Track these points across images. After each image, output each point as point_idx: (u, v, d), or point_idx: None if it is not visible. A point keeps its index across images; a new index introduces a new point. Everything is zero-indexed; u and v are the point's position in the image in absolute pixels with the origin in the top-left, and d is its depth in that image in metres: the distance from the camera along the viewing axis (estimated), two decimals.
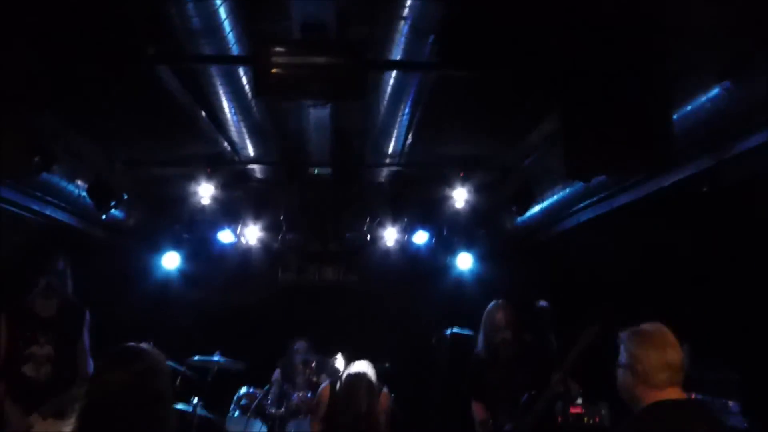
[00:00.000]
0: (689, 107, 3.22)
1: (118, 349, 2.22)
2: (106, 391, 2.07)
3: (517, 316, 4.37)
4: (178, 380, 5.02)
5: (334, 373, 4.31)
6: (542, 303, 3.71)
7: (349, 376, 4.22)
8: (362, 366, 4.28)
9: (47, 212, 4.64)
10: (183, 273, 6.33)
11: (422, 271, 6.56)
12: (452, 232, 6.27)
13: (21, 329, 3.96)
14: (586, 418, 5.25)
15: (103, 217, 4.98)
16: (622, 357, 2.39)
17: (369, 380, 4.23)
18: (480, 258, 6.42)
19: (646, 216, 4.52)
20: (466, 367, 4.63)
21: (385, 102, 4.01)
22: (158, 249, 6.17)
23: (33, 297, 3.98)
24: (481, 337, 4.51)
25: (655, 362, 2.29)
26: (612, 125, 3.01)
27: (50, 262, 4.01)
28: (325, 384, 4.56)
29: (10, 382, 3.90)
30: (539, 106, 4.04)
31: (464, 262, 6.48)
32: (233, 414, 5.33)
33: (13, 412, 3.84)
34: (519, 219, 5.42)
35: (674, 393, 2.29)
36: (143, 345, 2.26)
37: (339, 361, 3.93)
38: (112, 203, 4.89)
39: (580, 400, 5.05)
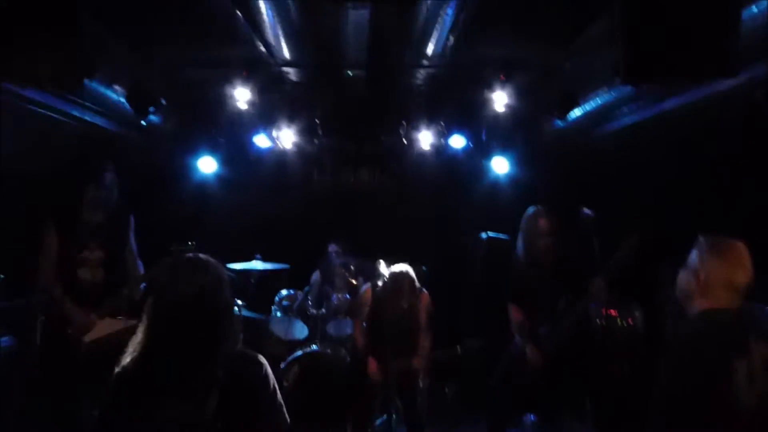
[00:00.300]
0: (754, 8, 3.07)
1: (183, 260, 2.26)
2: (174, 303, 2.13)
3: (557, 222, 4.37)
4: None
5: (376, 277, 4.40)
6: (586, 211, 3.69)
7: (393, 274, 4.39)
8: (404, 266, 4.43)
9: (87, 118, 4.66)
10: (220, 177, 6.38)
11: (458, 174, 6.52)
12: (490, 136, 6.17)
13: (72, 236, 4.08)
14: (619, 320, 5.36)
15: (143, 122, 4.99)
16: (692, 260, 2.40)
17: (411, 278, 4.39)
18: (517, 162, 6.34)
19: (693, 122, 4.39)
20: (502, 271, 4.69)
21: (428, 1, 3.86)
22: (195, 153, 6.19)
23: (82, 207, 4.09)
24: (520, 243, 4.53)
25: (720, 277, 2.29)
26: (678, 25, 2.74)
27: (98, 173, 4.09)
28: (366, 286, 4.71)
29: (68, 286, 4.06)
30: (593, 3, 3.84)
31: (501, 165, 6.42)
32: (275, 314, 5.52)
33: (76, 312, 4.03)
34: (559, 123, 5.30)
35: (726, 301, 2.30)
36: (204, 255, 2.30)
37: (382, 266, 4.03)
38: (151, 108, 4.88)
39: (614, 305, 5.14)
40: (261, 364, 2.21)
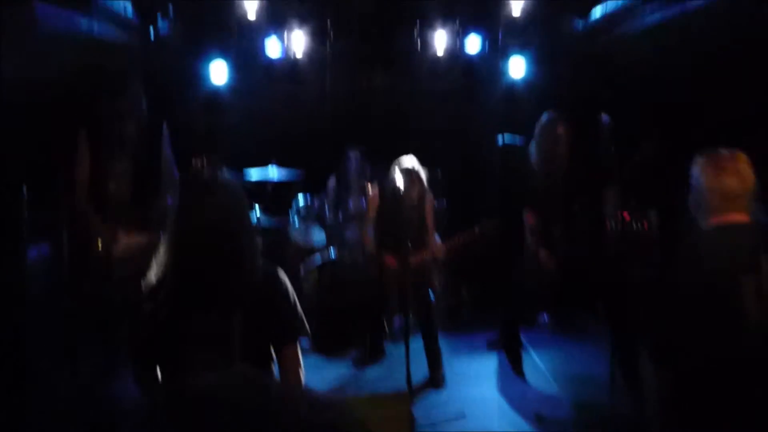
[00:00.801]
0: None
1: (203, 179, 2.31)
2: (194, 221, 2.19)
3: (574, 128, 4.33)
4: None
5: (388, 181, 4.42)
6: (604, 117, 3.65)
7: (402, 168, 4.39)
8: (412, 159, 4.50)
9: (95, 29, 4.58)
10: (232, 85, 6.29)
11: (474, 76, 6.38)
12: (507, 36, 5.99)
13: (101, 148, 4.06)
14: (634, 224, 5.40)
15: (150, 29, 4.90)
16: (692, 178, 2.45)
17: (419, 172, 4.47)
18: (535, 63, 6.19)
19: (719, 23, 4.22)
20: (517, 175, 4.70)
21: None
22: (206, 59, 6.09)
23: (111, 118, 4.05)
24: (536, 148, 4.52)
25: (709, 187, 2.35)
26: None
27: (120, 84, 4.04)
28: (374, 189, 4.80)
29: (95, 199, 4.10)
30: None
31: (517, 67, 6.27)
32: (293, 222, 5.61)
33: (100, 226, 4.12)
34: (579, 22, 5.12)
35: (735, 216, 2.33)
36: (223, 176, 2.34)
37: (399, 179, 4.01)
38: (158, 17, 4.78)
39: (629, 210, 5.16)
40: (281, 279, 2.30)
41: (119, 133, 4.08)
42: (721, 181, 2.32)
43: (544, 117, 4.45)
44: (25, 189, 4.42)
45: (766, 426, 2.21)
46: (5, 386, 3.98)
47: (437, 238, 4.64)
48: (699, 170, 2.41)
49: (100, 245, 4.09)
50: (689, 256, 2.32)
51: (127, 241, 4.10)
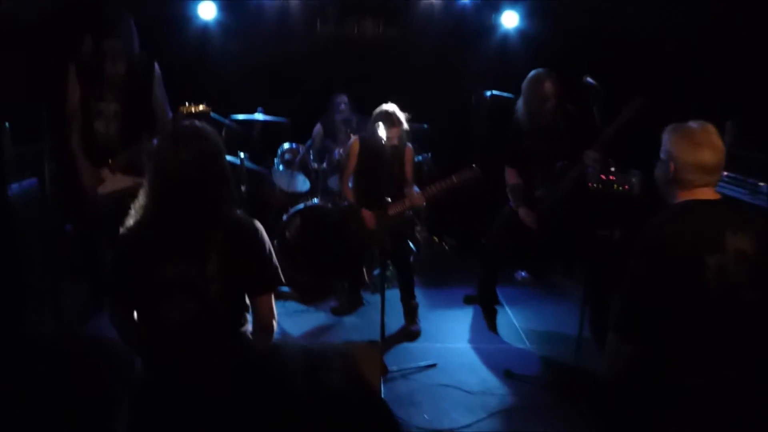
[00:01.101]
0: None
1: (181, 128, 2.32)
2: (172, 169, 2.21)
3: (561, 85, 4.32)
4: (223, 132, 5.20)
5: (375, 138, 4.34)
6: (589, 79, 3.63)
7: (380, 114, 4.37)
8: (392, 106, 4.44)
9: None
10: (220, 24, 6.19)
11: (466, 29, 6.30)
12: None
13: (90, 86, 4.07)
14: (615, 185, 5.43)
15: None
16: (662, 151, 2.41)
17: (399, 118, 4.39)
18: (527, 17, 6.12)
19: None
20: (504, 131, 4.70)
21: None
22: None
23: (101, 57, 4.02)
24: (522, 104, 4.51)
25: (686, 161, 2.30)
26: None
27: (114, 22, 4.01)
28: (354, 138, 4.72)
29: (82, 137, 4.11)
30: None
31: (510, 20, 6.21)
32: (277, 167, 5.60)
33: (86, 165, 4.10)
34: None
35: (706, 193, 2.32)
36: (202, 123, 2.35)
37: (381, 129, 3.97)
38: None
39: (612, 169, 5.18)
40: (257, 229, 2.33)
41: (110, 72, 4.06)
42: (696, 157, 2.28)
43: (532, 73, 4.43)
44: (7, 125, 4.41)
45: (721, 405, 2.26)
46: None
47: (416, 189, 4.62)
48: (670, 143, 2.36)
49: (86, 183, 4.09)
50: (654, 235, 2.28)
51: (113, 181, 4.10)
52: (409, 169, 4.60)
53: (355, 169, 4.64)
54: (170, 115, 4.27)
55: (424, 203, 4.63)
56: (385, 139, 4.10)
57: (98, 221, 4.27)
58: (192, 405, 2.23)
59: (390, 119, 4.32)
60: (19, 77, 4.46)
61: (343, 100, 5.89)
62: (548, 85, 4.29)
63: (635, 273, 2.28)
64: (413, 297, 4.64)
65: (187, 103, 4.27)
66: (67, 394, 3.08)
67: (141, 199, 2.32)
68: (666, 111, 4.89)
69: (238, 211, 2.37)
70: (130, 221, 2.32)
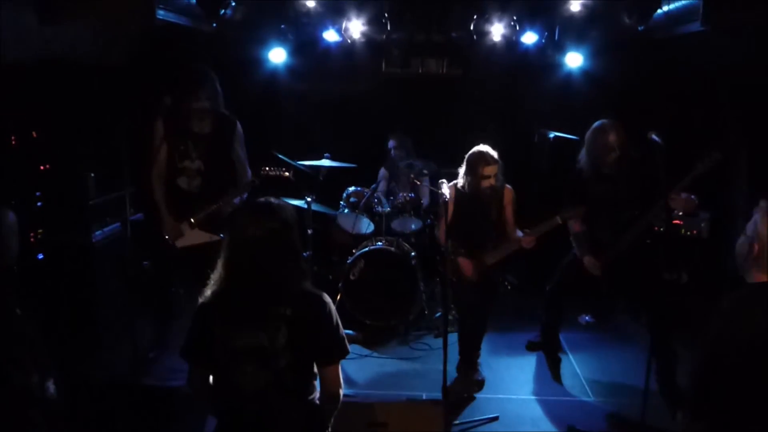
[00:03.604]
0: None
1: (256, 204, 2.47)
2: (243, 243, 2.37)
3: (625, 134, 4.31)
4: (291, 174, 5.38)
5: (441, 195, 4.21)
6: (654, 137, 3.60)
7: (478, 159, 4.25)
8: (488, 149, 4.29)
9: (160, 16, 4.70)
10: (289, 68, 6.43)
11: (528, 68, 6.34)
12: (564, 33, 5.91)
13: (176, 143, 4.26)
14: (683, 230, 5.36)
15: (214, 24, 5.04)
16: (750, 226, 2.34)
17: (498, 162, 4.27)
18: (591, 57, 6.11)
19: None
20: (566, 174, 4.69)
21: None
22: (265, 45, 6.22)
23: (188, 114, 4.20)
24: (585, 154, 4.51)
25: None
26: None
27: (201, 83, 4.17)
28: (450, 185, 4.28)
29: (167, 193, 4.32)
30: None
31: (573, 60, 6.20)
32: (343, 210, 5.76)
33: (168, 219, 4.32)
34: (639, 26, 5.01)
35: None
36: (276, 200, 2.49)
37: (444, 188, 3.94)
38: (221, 11, 4.90)
39: (680, 213, 5.10)
40: (325, 303, 2.45)
41: (196, 130, 4.23)
42: None
43: (597, 124, 4.43)
44: (93, 175, 4.72)
45: None
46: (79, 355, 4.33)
47: (519, 233, 4.37)
48: (759, 220, 2.28)
49: (167, 235, 4.30)
50: (724, 316, 2.24)
51: (191, 235, 4.31)
52: (509, 211, 4.46)
53: (451, 217, 4.25)
54: (249, 173, 4.44)
55: (532, 244, 4.30)
56: (484, 185, 4.18)
57: (171, 267, 4.51)
58: None
59: (484, 158, 4.25)
60: (104, 128, 4.76)
61: (393, 145, 6.01)
62: (612, 137, 4.29)
63: (707, 354, 2.26)
64: (479, 348, 4.55)
65: (267, 168, 4.47)
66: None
67: (217, 270, 2.47)
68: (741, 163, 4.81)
69: (308, 285, 2.48)
70: (208, 291, 2.47)
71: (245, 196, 4.35)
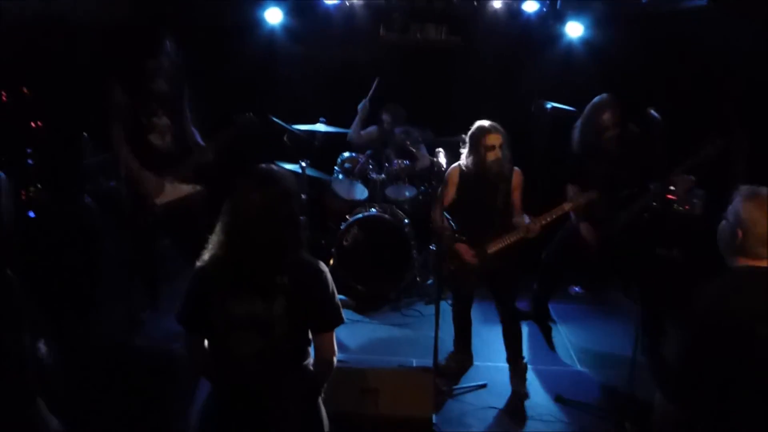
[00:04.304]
0: None
1: (258, 171, 2.45)
2: (246, 209, 2.36)
3: (623, 112, 4.30)
4: (286, 138, 5.34)
5: (434, 160, 4.10)
6: (653, 112, 3.60)
7: (484, 135, 3.99)
8: (497, 127, 4.03)
9: None
10: (286, 30, 6.32)
11: (529, 38, 6.27)
12: (566, 2, 5.83)
13: (141, 102, 4.24)
14: (675, 205, 5.37)
15: None
16: (730, 212, 2.35)
17: (506, 141, 4.01)
18: (592, 28, 6.05)
19: None
20: (563, 146, 4.68)
21: None
22: (261, 5, 6.11)
23: (149, 75, 4.20)
24: (582, 129, 4.51)
25: (757, 234, 2.25)
26: None
27: (156, 43, 4.16)
28: (452, 167, 4.17)
29: (140, 150, 4.28)
30: None
31: (574, 30, 6.14)
32: (337, 176, 5.73)
33: (147, 175, 4.30)
34: None
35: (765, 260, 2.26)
36: (278, 167, 2.48)
37: (441, 157, 3.91)
38: None
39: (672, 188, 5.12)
40: (322, 272, 2.45)
41: (155, 89, 4.24)
42: (764, 225, 2.23)
43: (595, 100, 4.43)
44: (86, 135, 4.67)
45: None
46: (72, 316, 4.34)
47: (526, 218, 4.06)
48: (743, 210, 2.29)
49: (149, 192, 4.28)
50: (707, 302, 2.26)
51: (171, 190, 4.31)
52: (517, 195, 4.13)
53: (452, 200, 4.17)
54: (196, 134, 4.49)
55: (538, 233, 3.98)
56: (490, 164, 3.93)
57: (154, 226, 4.49)
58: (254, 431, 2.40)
59: (485, 128, 3.98)
60: (99, 88, 4.69)
61: (386, 119, 5.96)
62: (607, 116, 4.29)
63: (691, 340, 2.28)
64: (521, 355, 4.12)
65: (239, 114, 4.46)
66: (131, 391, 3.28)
67: (216, 235, 2.46)
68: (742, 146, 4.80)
69: (305, 254, 2.48)
70: (205, 255, 2.46)
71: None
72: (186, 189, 4.32)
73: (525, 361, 4.13)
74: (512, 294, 4.15)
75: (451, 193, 4.13)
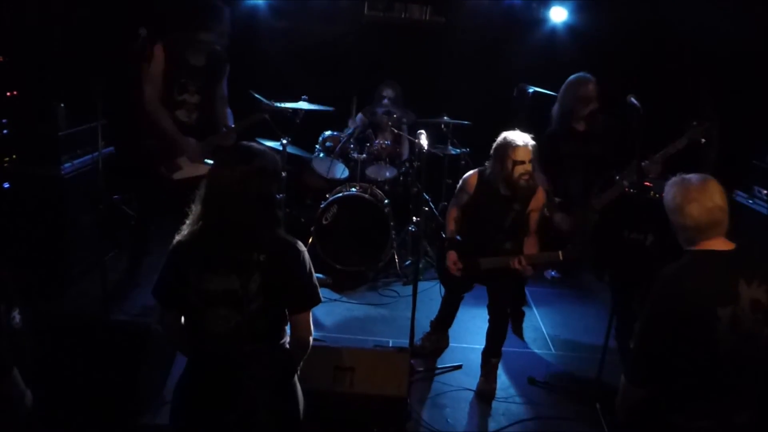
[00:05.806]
0: None
1: (238, 147, 2.43)
2: (220, 184, 2.35)
3: (601, 92, 4.33)
4: (268, 116, 5.29)
5: (418, 144, 3.90)
6: (633, 99, 3.61)
7: (515, 150, 3.75)
8: (526, 139, 3.79)
9: None
10: (269, 4, 6.25)
11: (513, 21, 6.27)
12: None
13: (175, 75, 4.25)
14: (652, 192, 5.44)
15: None
16: (667, 201, 2.42)
17: (534, 161, 3.79)
18: (576, 12, 6.06)
19: None
20: (544, 130, 4.70)
21: None
22: None
23: (189, 44, 4.22)
24: (558, 108, 4.53)
25: (678, 222, 2.35)
26: None
27: (213, 19, 4.19)
28: (472, 172, 4.06)
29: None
30: None
31: (558, 14, 6.15)
32: (318, 154, 5.71)
33: (189, 140, 4.35)
34: None
35: (717, 244, 2.33)
36: (258, 145, 2.46)
37: (423, 138, 3.87)
38: None
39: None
40: (299, 250, 2.45)
41: (191, 61, 4.26)
42: (683, 221, 2.32)
43: (574, 76, 4.45)
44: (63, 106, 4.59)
45: None
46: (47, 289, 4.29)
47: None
48: (671, 198, 2.38)
49: (191, 158, 4.36)
50: (665, 287, 2.32)
51: (190, 168, 4.36)
52: (534, 218, 3.94)
53: (466, 205, 4.06)
54: (230, 115, 4.54)
55: (529, 273, 3.89)
56: (518, 185, 3.73)
57: (162, 199, 4.45)
58: (229, 407, 2.41)
59: (514, 143, 3.74)
60: (75, 57, 4.61)
61: (388, 95, 5.91)
62: (592, 87, 4.31)
63: (647, 322, 2.34)
64: (498, 354, 4.02)
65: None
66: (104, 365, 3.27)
67: (195, 208, 2.44)
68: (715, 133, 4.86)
69: (282, 232, 2.48)
70: (185, 229, 2.45)
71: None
72: (204, 169, 4.26)
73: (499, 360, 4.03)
74: (508, 293, 4.08)
75: (465, 198, 4.05)
